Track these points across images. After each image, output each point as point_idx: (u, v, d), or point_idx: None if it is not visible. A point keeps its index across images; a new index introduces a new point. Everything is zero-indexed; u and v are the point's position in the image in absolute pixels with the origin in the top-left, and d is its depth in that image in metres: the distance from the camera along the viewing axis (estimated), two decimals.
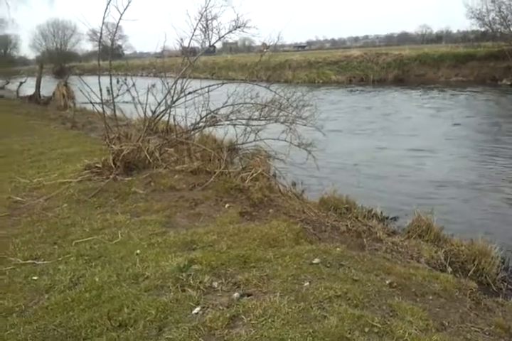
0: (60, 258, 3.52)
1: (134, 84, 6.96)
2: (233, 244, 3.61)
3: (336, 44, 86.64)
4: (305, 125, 6.42)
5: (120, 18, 6.37)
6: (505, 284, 4.31)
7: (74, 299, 2.84)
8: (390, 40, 75.57)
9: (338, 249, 3.65)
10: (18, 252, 3.75)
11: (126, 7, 6.23)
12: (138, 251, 3.46)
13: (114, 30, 7.77)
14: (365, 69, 28.12)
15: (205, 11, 6.46)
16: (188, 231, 3.95)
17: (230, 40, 8.19)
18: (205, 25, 6.66)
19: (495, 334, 2.78)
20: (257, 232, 3.85)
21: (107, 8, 6.12)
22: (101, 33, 6.90)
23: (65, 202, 5.06)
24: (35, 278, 3.25)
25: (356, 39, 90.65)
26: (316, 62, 30.56)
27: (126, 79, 6.91)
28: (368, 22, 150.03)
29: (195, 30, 6.68)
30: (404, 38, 71.50)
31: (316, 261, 3.34)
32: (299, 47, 75.95)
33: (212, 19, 6.64)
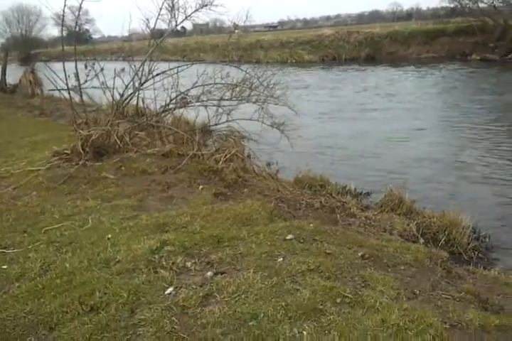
0: (29, 246, 3.44)
1: (102, 69, 6.76)
2: (206, 224, 3.59)
3: (308, 23, 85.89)
4: (277, 104, 6.38)
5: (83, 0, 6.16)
6: (476, 253, 4.44)
7: (45, 286, 2.78)
8: (361, 19, 75.29)
9: (311, 224, 3.67)
10: None
11: None
12: (109, 236, 3.41)
13: (78, 12, 7.48)
14: (337, 48, 28.07)
15: None
16: (160, 214, 3.91)
17: (200, 21, 8.00)
18: (171, 5, 6.50)
19: (465, 300, 2.85)
20: (230, 212, 3.84)
21: None
22: (63, 16, 6.65)
23: (34, 190, 4.93)
24: (4, 266, 3.18)
25: (328, 18, 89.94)
26: (288, 42, 30.33)
27: (94, 64, 6.70)
28: (339, 1, 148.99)
29: (161, 9, 6.51)
30: (375, 16, 71.35)
31: (289, 237, 3.36)
32: (271, 27, 75.08)
33: None
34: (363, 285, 2.61)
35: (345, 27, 41.77)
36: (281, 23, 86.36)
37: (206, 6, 6.53)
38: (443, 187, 6.35)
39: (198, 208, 4.01)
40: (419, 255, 3.29)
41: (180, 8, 6.64)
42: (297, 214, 4.72)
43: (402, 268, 3.04)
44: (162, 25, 6.98)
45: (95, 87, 6.65)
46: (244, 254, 3.01)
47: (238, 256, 2.99)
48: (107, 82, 6.57)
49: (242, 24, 7.60)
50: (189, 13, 6.79)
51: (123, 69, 7.67)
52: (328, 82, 19.01)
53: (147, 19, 6.45)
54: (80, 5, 6.40)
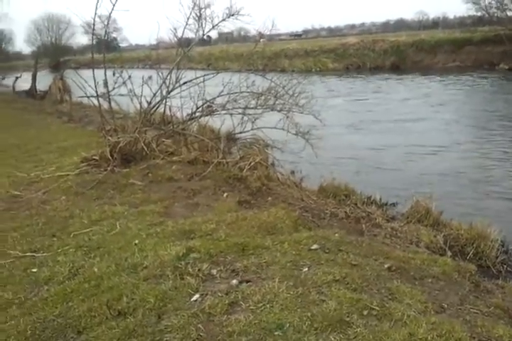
0: (59, 250, 3.52)
1: (129, 77, 6.92)
2: (231, 232, 3.61)
3: (332, 32, 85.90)
4: (302, 113, 6.40)
5: (113, 9, 6.31)
6: (505, 267, 4.32)
7: (73, 290, 2.84)
8: (386, 27, 74.88)
9: (336, 234, 3.64)
10: (17, 245, 3.76)
11: None
12: (136, 241, 3.46)
13: (107, 22, 7.67)
14: (361, 56, 27.96)
15: None
16: (186, 220, 3.95)
17: (225, 30, 8.11)
18: (198, 14, 6.61)
19: (494, 315, 2.79)
20: (255, 220, 3.85)
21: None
22: (94, 25, 6.83)
23: (63, 194, 5.05)
24: (34, 270, 3.26)
25: (352, 26, 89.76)
26: (313, 50, 30.36)
27: (122, 72, 6.86)
28: (364, 9, 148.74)
29: (188, 19, 6.63)
30: (400, 25, 70.90)
31: (314, 247, 3.34)
32: (295, 36, 75.35)
33: (205, 7, 6.59)
34: (389, 297, 2.58)
35: (370, 35, 41.66)
36: (306, 32, 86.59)
37: (233, 15, 6.62)
38: (471, 199, 6.23)
39: (223, 215, 4.04)
40: (446, 268, 3.23)
41: (208, 18, 6.76)
42: (322, 223, 4.70)
43: (430, 281, 2.99)
44: (189, 34, 7.11)
45: (123, 95, 6.81)
46: (269, 263, 3.01)
47: (263, 264, 2.99)
48: (134, 90, 6.72)
49: (268, 33, 7.66)
50: (216, 23, 6.92)
51: (150, 77, 7.83)
52: (354, 91, 18.92)
53: (175, 28, 6.56)
54: (110, 14, 6.55)
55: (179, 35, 6.96)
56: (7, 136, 9.03)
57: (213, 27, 6.75)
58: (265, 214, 4.05)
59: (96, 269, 3.07)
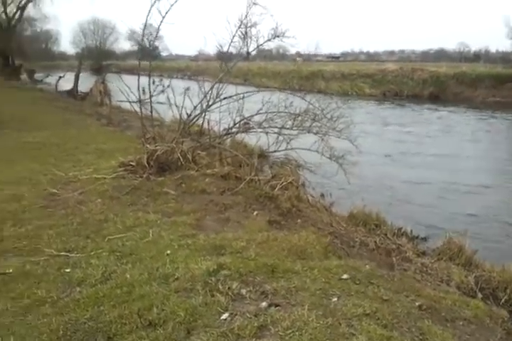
0: (92, 253, 3.60)
1: (168, 86, 7.11)
2: (261, 251, 3.62)
3: (370, 56, 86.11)
4: (338, 137, 6.42)
5: (161, 21, 6.48)
6: None
7: (105, 294, 2.89)
8: (426, 56, 74.56)
9: (367, 266, 3.61)
10: (53, 244, 3.85)
11: (168, 11, 6.34)
12: (168, 252, 3.51)
13: (155, 33, 7.83)
14: (400, 84, 27.86)
15: (246, 18, 6.53)
16: (217, 235, 3.99)
17: (266, 47, 8.21)
18: (244, 33, 6.74)
19: None
20: (285, 242, 3.86)
21: (150, 10, 6.24)
22: (143, 36, 7.05)
23: (99, 197, 5.17)
24: (67, 270, 3.33)
25: (391, 53, 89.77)
26: (350, 74, 30.45)
27: (161, 80, 7.05)
28: (404, 36, 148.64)
29: (234, 36, 6.77)
30: (441, 55, 70.48)
31: (345, 276, 3.32)
32: (333, 58, 75.74)
33: (251, 27, 6.72)
34: (420, 337, 2.53)
35: (409, 63, 41.53)
36: (344, 55, 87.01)
37: (278, 36, 6.75)
38: (505, 242, 6.07)
39: (254, 234, 4.06)
40: (478, 312, 3.16)
41: (253, 37, 6.90)
42: (351, 251, 4.67)
43: (461, 323, 2.92)
44: (231, 49, 7.23)
45: (160, 103, 6.98)
46: (299, 289, 3.00)
47: (292, 289, 2.98)
48: (171, 99, 6.89)
49: (307, 52, 7.74)
50: (261, 43, 7.06)
51: (188, 88, 8.01)
52: (393, 119, 18.75)
53: (220, 45, 6.70)
54: (159, 27, 6.71)
55: (223, 50, 7.15)
56: (48, 134, 9.32)
57: (258, 46, 6.89)
58: (296, 237, 4.05)
59: (128, 276, 3.12)
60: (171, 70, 34.32)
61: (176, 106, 6.83)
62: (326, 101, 6.64)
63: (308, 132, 6.51)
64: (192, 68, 38.89)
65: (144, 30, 6.52)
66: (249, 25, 6.35)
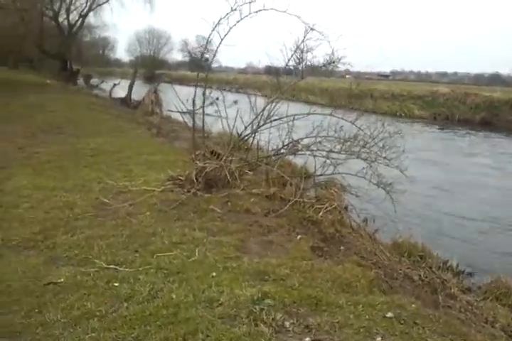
0: (140, 268, 3.69)
1: (217, 98, 7.24)
2: (305, 281, 3.61)
3: (421, 77, 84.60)
4: (387, 165, 6.33)
5: (220, 43, 6.61)
6: None
7: (151, 313, 2.97)
8: (479, 80, 72.39)
9: (413, 305, 3.52)
10: (102, 255, 3.98)
11: (227, 33, 6.48)
12: (214, 274, 3.56)
13: (213, 54, 7.95)
14: (451, 107, 27.18)
15: (302, 42, 6.59)
16: (261, 260, 4.01)
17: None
18: (299, 57, 6.80)
19: None
20: (330, 273, 3.83)
21: (211, 33, 6.39)
22: (202, 58, 7.22)
23: (148, 210, 5.31)
24: (116, 284, 3.43)
25: (444, 74, 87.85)
26: (400, 94, 30.03)
27: (211, 92, 7.20)
28: (458, 58, 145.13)
29: (289, 60, 6.84)
30: (495, 79, 68.32)
31: (389, 314, 3.26)
32: (382, 76, 74.95)
33: (307, 51, 6.77)
34: None
35: (461, 86, 40.51)
36: (394, 73, 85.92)
37: (334, 62, 6.78)
38: None
39: (298, 261, 4.05)
40: None
41: (307, 61, 6.96)
42: (394, 284, 4.57)
43: None
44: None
45: (209, 115, 7.13)
46: (342, 325, 2.97)
47: (336, 325, 2.96)
48: (220, 112, 7.03)
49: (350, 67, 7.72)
50: (316, 67, 7.11)
51: (236, 102, 8.15)
52: (447, 145, 18.20)
53: (276, 69, 6.78)
54: (217, 48, 6.84)
55: (276, 73, 7.24)
56: (102, 141, 9.69)
57: (312, 71, 6.93)
58: (340, 268, 4.01)
59: (174, 296, 3.19)
60: (220, 82, 35.01)
61: (226, 120, 6.95)
62: (377, 128, 6.50)
63: (357, 157, 6.45)
64: (240, 81, 39.60)
65: (204, 49, 6.69)
66: (305, 50, 6.40)
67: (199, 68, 8.02)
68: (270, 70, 7.59)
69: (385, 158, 6.16)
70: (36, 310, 3.06)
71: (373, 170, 6.36)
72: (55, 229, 4.64)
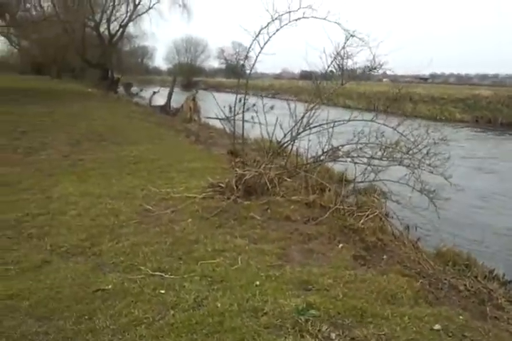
0: (185, 275, 3.75)
1: (254, 104, 7.27)
2: (349, 292, 3.57)
3: (461, 79, 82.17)
4: (431, 172, 6.17)
5: (260, 52, 6.65)
6: None
7: (198, 321, 3.01)
8: None
9: (461, 317, 3.42)
10: (148, 262, 4.07)
11: (266, 42, 6.51)
12: (257, 283, 3.57)
13: (252, 63, 7.98)
14: (494, 110, 26.25)
15: (343, 49, 6.54)
16: (303, 269, 3.99)
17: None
18: (340, 65, 6.76)
19: None
20: (374, 284, 3.76)
21: (252, 43, 6.44)
22: (244, 66, 7.27)
23: (190, 216, 5.39)
24: (162, 291, 3.49)
25: (484, 77, 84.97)
26: (441, 97, 29.30)
27: (248, 99, 7.24)
28: (500, 60, 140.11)
29: (328, 67, 6.81)
30: None
31: (436, 327, 3.18)
32: (421, 79, 73.27)
33: (347, 58, 6.72)
34: None
35: (502, 88, 39.05)
36: (433, 76, 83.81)
37: (375, 69, 6.69)
38: None
39: (340, 271, 4.01)
40: None
41: (347, 67, 6.90)
42: (439, 294, 4.43)
43: None
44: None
45: (248, 121, 7.16)
46: (389, 337, 2.92)
47: (382, 337, 2.91)
48: (257, 118, 7.05)
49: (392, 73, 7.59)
50: (356, 74, 7.05)
51: (272, 108, 8.14)
52: (490, 151, 17.49)
53: (316, 78, 6.77)
54: (256, 57, 6.86)
55: (316, 77, 7.20)
56: (143, 149, 9.93)
57: (353, 79, 6.88)
58: (385, 278, 3.94)
59: (219, 304, 3.22)
60: (256, 88, 35.26)
61: (266, 126, 6.96)
62: (421, 135, 6.34)
63: (400, 164, 6.32)
64: (275, 86, 39.72)
65: (240, 59, 6.76)
66: (345, 56, 6.35)
67: (235, 75, 8.07)
68: (307, 76, 7.56)
69: (429, 164, 6.00)
70: (86, 317, 3.16)
71: (416, 177, 6.22)
72: (102, 235, 4.77)
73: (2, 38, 24.55)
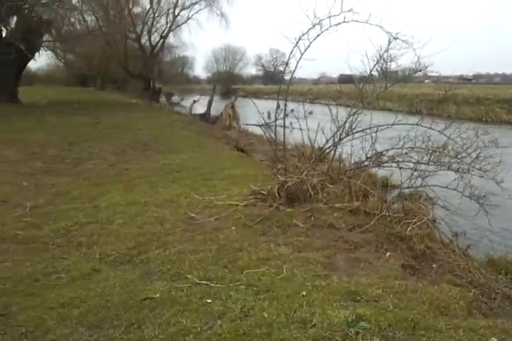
0: (231, 285, 3.74)
1: (292, 110, 7.21)
2: (400, 303, 3.45)
3: (507, 79, 78.77)
4: (482, 177, 5.92)
5: (300, 58, 6.62)
6: None
7: (245, 332, 2.98)
8: None
9: None
10: (194, 270, 4.09)
11: (307, 48, 6.47)
12: (304, 293, 3.52)
13: (293, 69, 7.95)
14: None
15: (386, 51, 6.41)
16: (350, 279, 3.90)
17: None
18: (383, 68, 6.62)
19: None
20: (426, 295, 3.63)
21: (292, 50, 6.43)
22: (282, 72, 7.27)
23: (233, 224, 5.40)
24: (209, 300, 3.49)
25: None
26: (486, 98, 28.19)
27: (286, 105, 7.20)
28: None
29: (371, 71, 6.69)
30: None
31: (493, 340, 3.02)
32: (465, 80, 70.77)
33: (390, 61, 6.57)
34: None
35: None
36: (477, 76, 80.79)
37: (420, 71, 6.52)
38: None
39: (390, 281, 3.89)
40: None
41: (391, 70, 6.75)
42: (493, 305, 4.24)
43: None
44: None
45: (288, 127, 7.11)
46: None
47: None
48: (296, 124, 7.00)
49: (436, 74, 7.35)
50: (400, 77, 6.89)
51: (311, 113, 8.05)
52: None
53: (359, 83, 6.67)
54: (297, 64, 6.82)
55: (360, 83, 7.09)
56: (185, 157, 10.09)
57: (397, 82, 6.72)
58: (436, 289, 3.80)
59: (266, 314, 3.19)
60: (294, 94, 35.21)
61: (307, 131, 6.90)
62: (470, 138, 6.10)
63: (448, 169, 6.10)
64: (314, 91, 39.53)
65: (277, 65, 6.77)
66: (388, 59, 6.22)
67: (273, 81, 8.07)
68: (346, 80, 7.46)
69: (479, 169, 5.76)
70: (135, 326, 3.19)
71: (465, 182, 5.98)
72: (148, 243, 4.85)
73: (49, 51, 25.67)
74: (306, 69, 7.43)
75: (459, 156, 5.92)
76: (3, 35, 17.65)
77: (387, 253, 4.81)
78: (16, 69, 18.32)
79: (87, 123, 15.54)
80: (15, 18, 18.19)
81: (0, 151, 10.19)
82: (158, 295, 3.62)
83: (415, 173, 6.44)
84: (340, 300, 3.42)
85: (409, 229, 5.65)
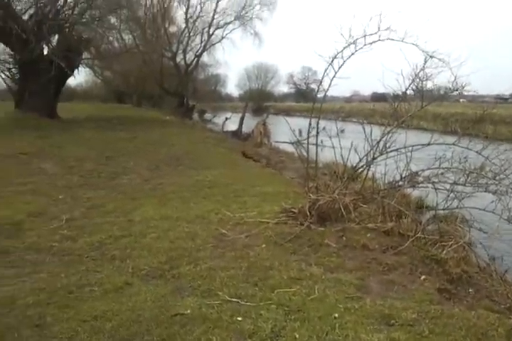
0: (261, 303, 3.71)
1: (324, 128, 7.19)
2: (436, 328, 3.34)
3: None
4: None
5: (334, 76, 6.64)
6: None
7: None
8: None
9: None
10: (224, 287, 4.08)
11: (341, 66, 6.50)
12: (336, 315, 3.46)
13: (327, 87, 7.97)
14: None
15: (422, 70, 6.36)
16: (384, 302, 3.81)
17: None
18: (419, 86, 6.56)
19: None
20: (462, 320, 3.50)
21: (327, 68, 6.46)
22: (324, 94, 7.32)
23: (264, 242, 5.39)
24: (239, 318, 3.47)
25: None
26: None
27: (318, 123, 7.18)
28: None
29: (406, 89, 6.64)
30: None
31: None
32: (501, 99, 69.01)
33: (426, 79, 6.51)
34: None
35: None
36: None
37: (457, 90, 6.42)
38: None
39: (425, 305, 3.77)
40: None
41: (427, 91, 6.68)
42: None
43: None
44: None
45: (320, 145, 7.08)
46: None
47: None
48: (328, 142, 6.95)
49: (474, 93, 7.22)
50: (436, 97, 6.81)
51: (343, 131, 8.00)
52: None
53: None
54: (331, 82, 6.83)
55: (393, 100, 7.04)
56: (217, 173, 10.20)
57: (433, 101, 6.65)
58: (474, 314, 3.66)
59: (297, 335, 3.14)
60: (326, 111, 35.19)
61: (337, 149, 6.85)
62: (509, 159, 5.93)
63: (486, 191, 5.92)
64: (345, 109, 39.40)
65: (318, 88, 6.80)
66: (424, 78, 6.16)
67: (305, 99, 8.11)
68: (378, 98, 7.42)
69: None
70: None
71: (503, 205, 5.79)
72: (180, 259, 4.89)
73: (87, 69, 26.70)
74: (339, 87, 7.43)
75: (497, 178, 5.75)
76: (45, 52, 18.46)
77: (422, 277, 4.68)
78: (56, 85, 19.09)
79: (124, 138, 15.95)
80: (56, 37, 19.04)
81: (39, 164, 10.56)
82: (189, 311, 3.62)
83: (451, 194, 6.28)
84: (374, 324, 3.34)
85: (444, 251, 5.51)
